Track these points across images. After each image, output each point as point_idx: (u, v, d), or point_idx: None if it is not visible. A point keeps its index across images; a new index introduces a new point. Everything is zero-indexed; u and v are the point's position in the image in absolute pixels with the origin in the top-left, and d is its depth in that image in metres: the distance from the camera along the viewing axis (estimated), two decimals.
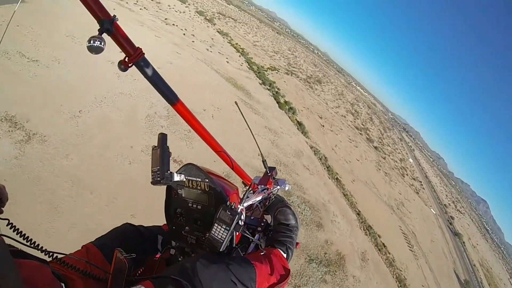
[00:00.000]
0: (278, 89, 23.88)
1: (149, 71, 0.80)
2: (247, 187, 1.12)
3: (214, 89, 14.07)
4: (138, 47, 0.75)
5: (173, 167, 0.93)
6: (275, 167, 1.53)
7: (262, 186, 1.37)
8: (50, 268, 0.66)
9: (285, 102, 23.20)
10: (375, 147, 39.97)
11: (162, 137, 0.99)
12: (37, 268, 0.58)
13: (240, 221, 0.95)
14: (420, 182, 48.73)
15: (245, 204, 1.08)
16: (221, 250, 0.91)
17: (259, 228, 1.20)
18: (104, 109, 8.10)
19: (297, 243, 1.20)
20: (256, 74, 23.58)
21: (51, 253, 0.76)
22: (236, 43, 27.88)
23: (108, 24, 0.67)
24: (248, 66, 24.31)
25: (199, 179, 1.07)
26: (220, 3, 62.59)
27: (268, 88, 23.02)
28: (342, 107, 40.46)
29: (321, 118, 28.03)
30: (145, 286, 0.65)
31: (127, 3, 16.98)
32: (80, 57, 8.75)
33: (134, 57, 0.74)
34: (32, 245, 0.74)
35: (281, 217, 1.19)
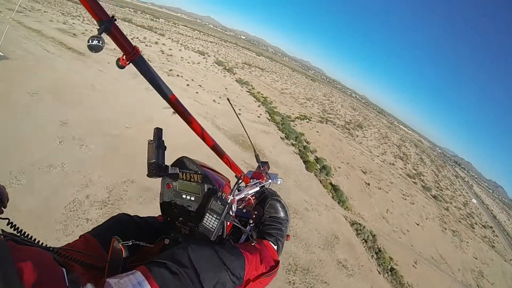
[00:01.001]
0: (307, 142, 19.44)
1: (145, 68, 0.88)
2: (238, 179, 1.21)
3: (206, 151, 10.45)
4: (135, 46, 0.82)
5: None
6: (267, 162, 1.69)
7: (255, 180, 1.51)
8: (51, 254, 0.75)
9: (316, 159, 18.27)
10: (434, 197, 32.40)
11: (158, 132, 1.09)
12: (38, 253, 0.63)
13: (230, 211, 1.06)
14: (491, 228, 43.87)
15: (237, 197, 1.24)
16: (212, 239, 1.01)
17: (251, 221, 1.30)
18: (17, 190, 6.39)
19: (287, 236, 1.31)
20: (278, 127, 19.99)
21: (50, 247, 0.82)
22: (258, 92, 26.21)
23: (107, 24, 0.74)
24: (269, 118, 21.02)
25: (193, 172, 1.18)
26: (249, 54, 66.53)
27: (293, 143, 18.77)
28: (389, 152, 33.25)
29: (365, 173, 21.85)
30: (140, 271, 0.73)
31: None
32: None
33: (131, 56, 0.81)
34: (32, 243, 0.80)
35: (272, 210, 1.31)
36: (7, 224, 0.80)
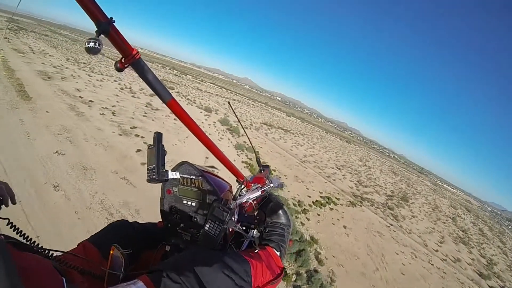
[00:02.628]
0: (320, 262, 11.37)
1: (144, 71, 0.89)
2: (240, 185, 1.30)
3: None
4: (134, 48, 0.85)
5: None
6: (268, 166, 1.80)
7: (256, 184, 1.56)
8: (51, 262, 0.79)
9: None
10: None
11: (158, 136, 1.12)
12: (38, 260, 0.67)
13: (233, 217, 1.11)
14: None
15: (239, 201, 1.31)
16: (214, 246, 1.06)
17: (253, 226, 1.36)
18: None
19: (290, 241, 1.38)
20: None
21: (49, 252, 0.85)
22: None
23: (105, 26, 0.76)
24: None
25: (194, 177, 1.24)
26: (277, 115, 64.52)
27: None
28: (447, 235, 22.32)
29: None
30: (142, 281, 0.75)
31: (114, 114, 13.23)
32: None
33: (130, 58, 0.84)
34: (32, 245, 0.83)
35: (274, 216, 1.39)
36: (7, 224, 0.83)
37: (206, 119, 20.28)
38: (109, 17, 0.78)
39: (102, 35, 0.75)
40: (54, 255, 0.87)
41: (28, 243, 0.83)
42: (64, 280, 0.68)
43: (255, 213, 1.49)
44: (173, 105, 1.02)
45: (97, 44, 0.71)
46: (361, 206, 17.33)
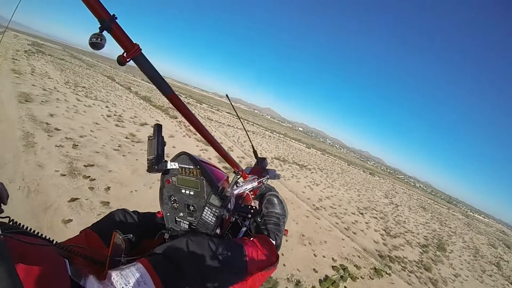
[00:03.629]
0: None
1: (146, 65, 0.98)
2: (236, 174, 1.40)
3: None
4: (136, 43, 0.93)
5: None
6: (265, 158, 1.95)
7: (253, 175, 1.78)
8: (54, 247, 0.87)
9: None
10: None
11: (158, 128, 1.27)
12: (41, 243, 0.74)
13: (229, 204, 1.23)
14: None
15: (236, 191, 1.47)
16: (211, 232, 1.19)
17: (249, 215, 1.48)
18: None
19: (285, 230, 1.51)
20: None
21: (53, 240, 0.93)
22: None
23: (108, 23, 0.85)
24: None
25: (192, 167, 1.35)
26: (296, 146, 62.05)
27: None
28: None
29: None
30: (141, 262, 0.85)
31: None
32: None
33: (132, 53, 0.92)
34: (37, 236, 0.91)
35: (269, 206, 1.52)
36: (9, 222, 0.88)
37: (203, 153, 18.41)
38: (111, 14, 0.86)
39: (105, 31, 0.85)
40: (56, 242, 0.95)
41: (32, 234, 0.90)
42: (67, 262, 0.75)
43: (251, 204, 1.64)
44: (173, 98, 1.14)
45: (100, 39, 0.81)
46: (389, 275, 13.49)
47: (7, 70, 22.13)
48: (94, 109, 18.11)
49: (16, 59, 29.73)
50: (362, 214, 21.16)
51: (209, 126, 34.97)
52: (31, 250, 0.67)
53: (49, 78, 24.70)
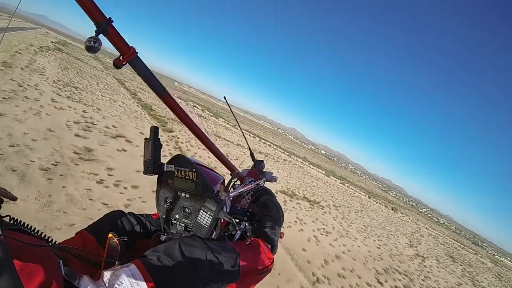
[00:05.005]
0: None
1: (141, 69, 1.05)
2: (232, 176, 1.50)
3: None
4: (132, 46, 0.99)
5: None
6: (262, 160, 2.13)
7: (249, 178, 1.90)
8: (49, 246, 0.95)
9: None
10: None
11: (154, 130, 1.39)
12: (35, 241, 0.79)
13: (224, 208, 1.30)
14: None
15: (232, 194, 1.54)
16: (205, 235, 1.25)
17: (245, 218, 1.61)
18: None
19: (281, 233, 1.61)
20: None
21: (50, 239, 1.02)
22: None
23: (104, 26, 0.90)
24: None
25: (188, 169, 1.48)
26: (313, 174, 58.33)
27: None
28: None
29: None
30: (134, 263, 0.92)
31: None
32: None
33: (128, 56, 0.98)
34: (33, 235, 0.98)
35: (266, 209, 1.65)
36: (10, 220, 0.94)
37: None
38: (107, 17, 0.91)
39: (101, 34, 0.89)
40: (54, 241, 1.05)
41: (29, 232, 0.96)
42: (61, 262, 0.80)
43: (248, 206, 1.76)
44: (169, 101, 1.21)
45: (96, 43, 0.85)
46: None
47: None
48: (63, 112, 16.62)
49: (19, 53, 30.41)
50: (381, 283, 16.92)
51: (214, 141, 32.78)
52: (26, 249, 0.70)
53: (41, 74, 24.35)
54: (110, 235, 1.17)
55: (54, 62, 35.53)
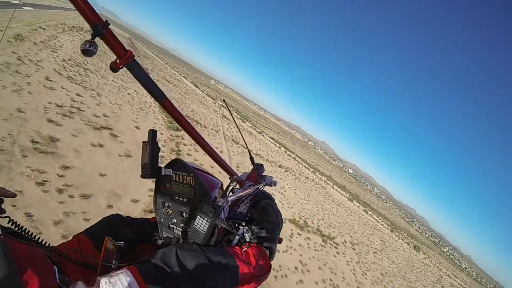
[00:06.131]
0: None
1: (138, 72, 1.10)
2: (230, 182, 1.55)
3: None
4: (129, 49, 1.04)
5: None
6: (262, 164, 2.17)
7: (249, 182, 1.99)
8: (43, 250, 0.95)
9: None
10: None
11: (152, 133, 1.40)
12: (30, 249, 0.80)
13: (222, 214, 1.34)
14: None
15: (230, 199, 1.58)
16: (202, 241, 1.30)
17: (243, 223, 1.60)
18: None
19: (280, 238, 1.66)
20: None
21: (45, 243, 1.08)
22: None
23: (100, 29, 0.94)
24: None
25: (185, 174, 1.52)
26: (338, 197, 54.26)
27: None
28: None
29: None
30: (130, 270, 0.95)
31: None
32: None
33: (124, 59, 1.03)
34: (30, 237, 1.04)
35: (264, 213, 1.69)
36: (8, 222, 0.99)
37: None
38: (104, 20, 0.95)
39: (97, 38, 0.93)
40: (50, 245, 1.10)
41: (25, 237, 1.02)
42: (56, 269, 0.82)
43: (247, 210, 1.83)
44: (167, 105, 1.26)
45: (92, 47, 0.90)
46: None
47: (11, 34, 22.22)
48: (51, 93, 15.67)
49: (43, 28, 31.29)
50: None
51: (231, 152, 30.91)
52: (21, 255, 0.72)
53: (53, 51, 24.37)
54: (106, 239, 1.21)
55: (77, 42, 36.41)
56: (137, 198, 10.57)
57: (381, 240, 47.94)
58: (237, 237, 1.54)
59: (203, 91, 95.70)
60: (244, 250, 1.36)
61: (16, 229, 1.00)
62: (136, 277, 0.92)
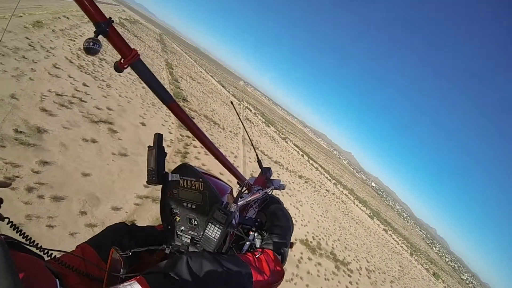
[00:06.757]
0: None
1: (144, 72, 1.09)
2: (241, 187, 1.61)
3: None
4: (134, 49, 1.02)
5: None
6: (270, 168, 2.22)
7: (257, 186, 2.01)
8: (44, 262, 0.97)
9: None
10: None
11: (158, 137, 1.41)
12: (31, 260, 0.80)
13: (233, 220, 1.34)
14: None
15: (240, 204, 1.56)
16: (214, 249, 1.28)
17: (254, 228, 1.66)
18: None
19: (291, 243, 1.69)
20: None
21: (48, 251, 1.06)
22: None
23: (104, 27, 0.93)
24: None
25: (194, 179, 1.50)
26: (357, 215, 51.86)
27: None
28: None
29: None
30: (138, 281, 0.92)
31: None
32: None
33: (129, 59, 1.01)
34: (31, 244, 1.02)
35: (275, 218, 1.70)
36: (7, 223, 0.97)
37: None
38: (108, 18, 0.94)
39: (100, 36, 0.92)
40: (54, 255, 1.08)
41: (27, 242, 1.00)
42: (58, 282, 0.81)
43: (256, 215, 1.85)
44: (174, 107, 1.24)
45: (95, 45, 0.88)
46: None
47: (31, 21, 22.70)
48: (55, 81, 15.36)
49: (67, 17, 32.26)
50: None
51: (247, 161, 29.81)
52: (18, 265, 0.69)
53: (70, 39, 24.68)
54: (112, 249, 1.21)
55: None
56: (119, 206, 9.56)
57: (400, 266, 45.20)
58: (248, 243, 1.56)
59: (228, 91, 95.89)
60: (256, 256, 1.36)
61: (16, 232, 1.01)
62: None
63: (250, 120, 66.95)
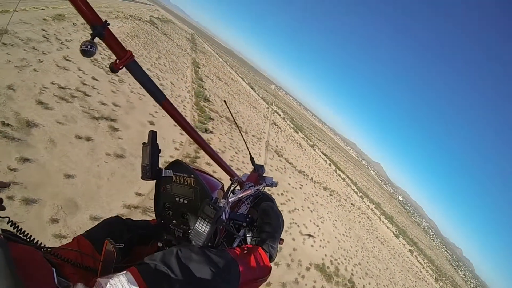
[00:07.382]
0: None
1: (138, 73, 1.16)
2: (231, 183, 1.61)
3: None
4: (129, 50, 1.10)
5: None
6: (263, 165, 2.31)
7: (249, 183, 2.10)
8: (41, 252, 1.03)
9: None
10: None
11: (152, 135, 1.52)
12: (28, 250, 0.85)
13: (223, 215, 1.40)
14: None
15: (231, 200, 1.64)
16: (204, 242, 1.34)
17: (244, 224, 1.74)
18: None
19: (281, 240, 1.76)
20: None
21: (45, 247, 1.14)
22: None
23: (100, 29, 0.99)
24: None
25: (186, 175, 1.59)
26: (381, 232, 48.87)
27: None
28: None
29: None
30: (130, 272, 0.99)
31: None
32: None
33: (124, 60, 1.08)
34: (28, 239, 1.10)
35: (265, 215, 1.74)
36: (7, 223, 1.06)
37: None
38: (103, 20, 1.00)
39: (96, 38, 0.99)
40: (48, 248, 1.16)
41: (23, 239, 1.08)
42: (54, 270, 0.88)
43: (248, 212, 1.92)
44: (166, 106, 1.35)
45: (92, 47, 0.96)
46: None
47: (52, 14, 23.34)
48: (62, 73, 15.22)
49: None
50: None
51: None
52: (16, 254, 0.74)
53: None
54: (106, 241, 1.26)
55: (125, 29, 38.07)
56: (99, 215, 8.66)
57: None
58: (238, 238, 1.68)
59: (258, 94, 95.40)
60: (245, 252, 1.43)
61: (16, 230, 1.06)
62: (137, 279, 0.96)
63: (277, 125, 65.66)
